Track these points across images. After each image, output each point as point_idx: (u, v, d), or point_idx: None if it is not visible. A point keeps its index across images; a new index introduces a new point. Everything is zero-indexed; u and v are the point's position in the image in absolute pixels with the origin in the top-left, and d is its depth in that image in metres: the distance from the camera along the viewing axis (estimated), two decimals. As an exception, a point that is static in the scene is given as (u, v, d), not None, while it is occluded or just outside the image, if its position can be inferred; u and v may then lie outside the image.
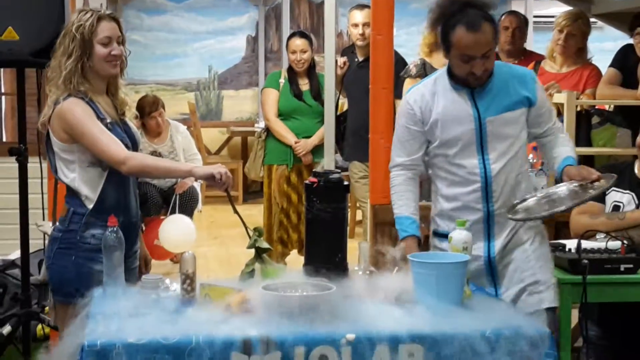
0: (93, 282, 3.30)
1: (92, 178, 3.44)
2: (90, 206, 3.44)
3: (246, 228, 3.29)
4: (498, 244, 3.44)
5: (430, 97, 3.44)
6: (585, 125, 5.08)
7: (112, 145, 3.38)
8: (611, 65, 5.20)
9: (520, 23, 5.96)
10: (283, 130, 6.38)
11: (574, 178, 3.34)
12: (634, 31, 5.01)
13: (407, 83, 5.49)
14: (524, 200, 3.42)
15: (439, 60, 5.40)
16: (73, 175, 3.45)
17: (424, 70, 5.42)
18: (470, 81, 3.35)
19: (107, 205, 3.44)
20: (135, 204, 3.59)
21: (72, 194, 3.48)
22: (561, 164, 3.44)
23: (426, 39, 5.46)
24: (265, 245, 3.25)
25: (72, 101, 3.41)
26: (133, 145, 3.53)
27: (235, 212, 3.34)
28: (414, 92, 3.49)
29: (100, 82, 3.50)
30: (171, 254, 6.88)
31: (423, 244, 3.45)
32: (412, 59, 5.69)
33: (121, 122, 3.55)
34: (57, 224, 3.58)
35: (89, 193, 3.44)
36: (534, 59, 5.86)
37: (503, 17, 6.13)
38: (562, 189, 3.38)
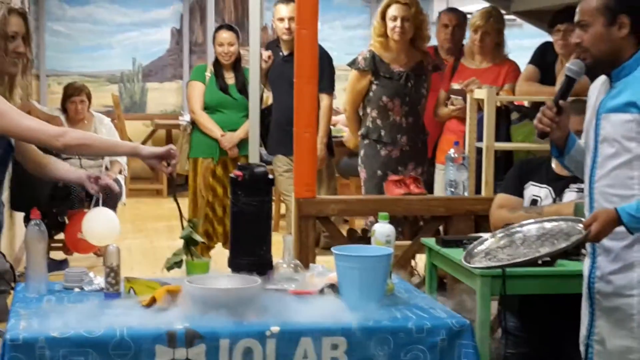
0: None
1: None
2: None
3: (181, 217, 3.30)
4: (601, 264, 3.00)
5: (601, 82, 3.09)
6: (504, 121, 5.17)
7: (41, 123, 3.20)
8: (530, 62, 5.30)
9: (460, 20, 5.98)
10: (209, 124, 6.37)
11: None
12: (553, 28, 5.11)
13: (354, 76, 5.40)
14: (482, 241, 3.19)
15: (391, 54, 5.38)
16: None
17: (373, 63, 5.32)
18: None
19: None
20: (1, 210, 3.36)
21: None
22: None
23: (376, 30, 5.35)
24: (198, 238, 3.27)
25: None
26: (8, 150, 3.30)
27: (175, 200, 3.32)
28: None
29: None
30: (95, 247, 6.82)
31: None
32: (349, 55, 5.55)
33: None
34: None
35: None
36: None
37: (442, 14, 6.17)
38: (532, 227, 3.15)
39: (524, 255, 3.07)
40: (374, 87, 5.36)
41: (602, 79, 3.07)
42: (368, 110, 5.42)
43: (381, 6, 5.38)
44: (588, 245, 3.06)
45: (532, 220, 3.27)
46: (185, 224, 3.28)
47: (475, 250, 3.22)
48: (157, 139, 11.21)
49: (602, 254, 2.99)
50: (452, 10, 6.18)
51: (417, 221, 5.31)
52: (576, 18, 2.99)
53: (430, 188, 5.40)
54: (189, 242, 3.26)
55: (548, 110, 3.00)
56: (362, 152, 5.44)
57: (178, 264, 3.26)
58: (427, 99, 5.47)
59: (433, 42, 6.14)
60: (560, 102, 3.01)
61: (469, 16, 5.77)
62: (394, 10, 5.29)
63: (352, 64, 5.43)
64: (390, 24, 5.30)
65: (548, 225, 3.16)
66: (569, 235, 3.03)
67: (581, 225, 2.96)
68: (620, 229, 2.85)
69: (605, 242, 2.95)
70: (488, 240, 3.26)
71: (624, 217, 2.80)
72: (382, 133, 5.34)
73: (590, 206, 3.01)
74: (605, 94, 3.00)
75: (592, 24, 2.93)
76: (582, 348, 3.13)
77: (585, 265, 3.11)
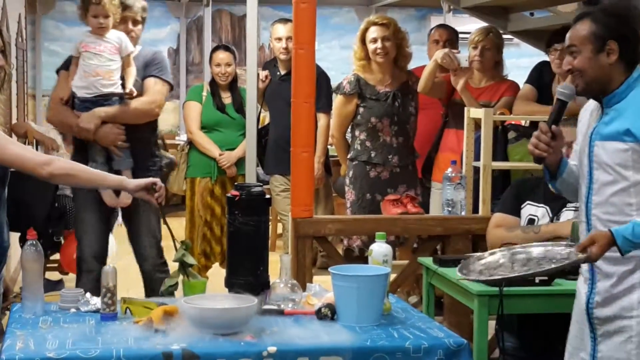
0: None
1: None
2: None
3: (174, 240, 3.30)
4: (601, 289, 2.98)
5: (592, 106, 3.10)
6: (502, 140, 5.17)
7: (28, 150, 3.22)
8: (527, 82, 5.31)
9: (451, 36, 6.00)
10: (207, 143, 6.37)
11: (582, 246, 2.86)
12: (550, 48, 5.12)
13: (340, 101, 5.42)
14: (481, 257, 3.21)
15: (375, 76, 5.39)
16: None
17: (359, 86, 5.33)
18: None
19: None
20: (5, 230, 3.38)
21: None
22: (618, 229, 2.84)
23: (357, 54, 5.38)
24: (191, 260, 3.26)
25: None
26: (4, 171, 3.31)
27: (166, 224, 3.33)
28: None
29: None
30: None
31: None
32: (346, 75, 5.52)
33: None
34: None
35: None
36: None
37: (433, 31, 6.19)
38: (533, 250, 3.15)
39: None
40: (361, 109, 5.36)
41: (593, 104, 3.07)
42: (356, 133, 5.41)
43: (359, 30, 5.41)
44: (586, 271, 3.04)
45: (534, 244, 3.26)
46: (178, 245, 3.27)
47: (472, 267, 3.20)
48: (154, 159, 11.20)
49: (603, 279, 2.98)
50: (443, 27, 6.20)
51: (410, 244, 5.30)
52: (566, 43, 3.00)
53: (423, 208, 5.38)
54: (183, 264, 3.25)
55: (543, 135, 3.00)
56: (350, 173, 5.43)
57: (174, 287, 3.25)
58: (416, 118, 5.47)
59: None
60: (553, 127, 3.01)
61: (466, 36, 5.77)
62: (373, 32, 5.31)
63: (337, 89, 5.44)
64: (371, 47, 5.31)
65: (550, 249, 3.15)
66: (569, 259, 3.01)
67: (577, 251, 2.93)
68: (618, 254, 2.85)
69: (607, 267, 2.95)
70: (486, 258, 3.25)
71: (618, 239, 2.80)
72: (373, 154, 5.33)
73: (588, 232, 3.00)
74: (597, 120, 3.00)
75: (581, 51, 2.95)
76: None
77: (581, 292, 3.08)
